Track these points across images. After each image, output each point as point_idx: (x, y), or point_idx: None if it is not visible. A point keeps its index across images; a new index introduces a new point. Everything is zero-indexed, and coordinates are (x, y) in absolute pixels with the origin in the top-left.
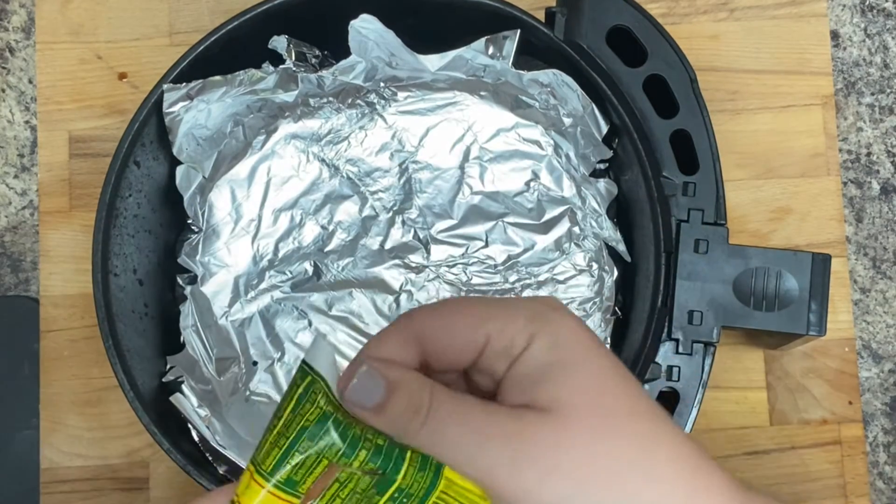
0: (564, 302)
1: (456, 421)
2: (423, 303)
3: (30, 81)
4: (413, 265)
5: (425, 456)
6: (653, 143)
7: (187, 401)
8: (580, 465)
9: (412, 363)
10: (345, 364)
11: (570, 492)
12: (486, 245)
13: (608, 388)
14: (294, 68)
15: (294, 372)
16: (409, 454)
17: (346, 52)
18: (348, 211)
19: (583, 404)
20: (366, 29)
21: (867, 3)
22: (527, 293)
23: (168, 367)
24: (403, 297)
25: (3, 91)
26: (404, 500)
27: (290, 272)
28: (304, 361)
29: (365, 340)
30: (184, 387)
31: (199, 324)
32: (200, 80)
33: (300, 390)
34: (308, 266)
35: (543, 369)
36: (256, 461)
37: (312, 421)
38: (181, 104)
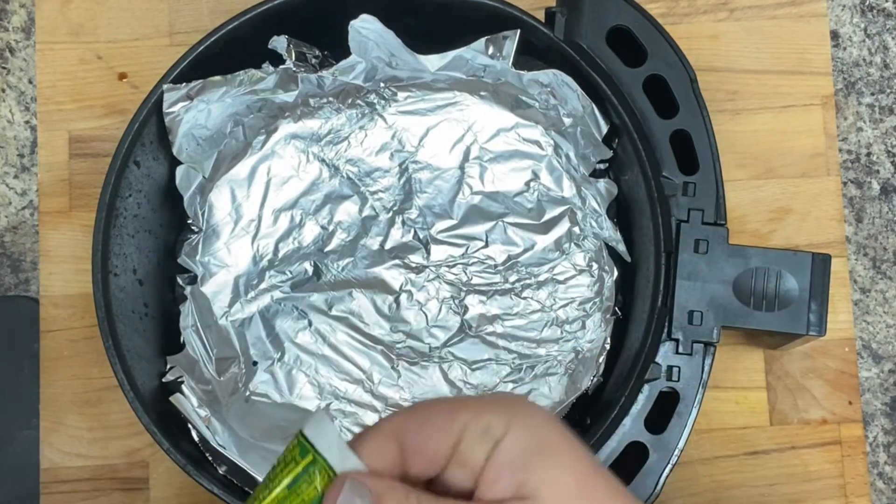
0: (564, 302)
1: None
2: (423, 303)
3: (30, 81)
4: (413, 265)
5: None
6: (653, 143)
7: (187, 401)
8: None
9: (392, 470)
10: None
11: None
12: (486, 245)
13: (589, 473)
14: (294, 68)
15: (295, 437)
16: None
17: (346, 53)
18: (348, 211)
19: (569, 488)
20: (366, 29)
21: (867, 3)
22: (527, 293)
23: (168, 367)
24: (403, 297)
25: (3, 91)
26: None
27: (290, 272)
28: (302, 434)
29: (365, 340)
30: (184, 387)
31: (199, 324)
32: (200, 81)
33: (299, 468)
34: (308, 266)
35: (527, 454)
36: None
37: (309, 501)
38: (181, 104)
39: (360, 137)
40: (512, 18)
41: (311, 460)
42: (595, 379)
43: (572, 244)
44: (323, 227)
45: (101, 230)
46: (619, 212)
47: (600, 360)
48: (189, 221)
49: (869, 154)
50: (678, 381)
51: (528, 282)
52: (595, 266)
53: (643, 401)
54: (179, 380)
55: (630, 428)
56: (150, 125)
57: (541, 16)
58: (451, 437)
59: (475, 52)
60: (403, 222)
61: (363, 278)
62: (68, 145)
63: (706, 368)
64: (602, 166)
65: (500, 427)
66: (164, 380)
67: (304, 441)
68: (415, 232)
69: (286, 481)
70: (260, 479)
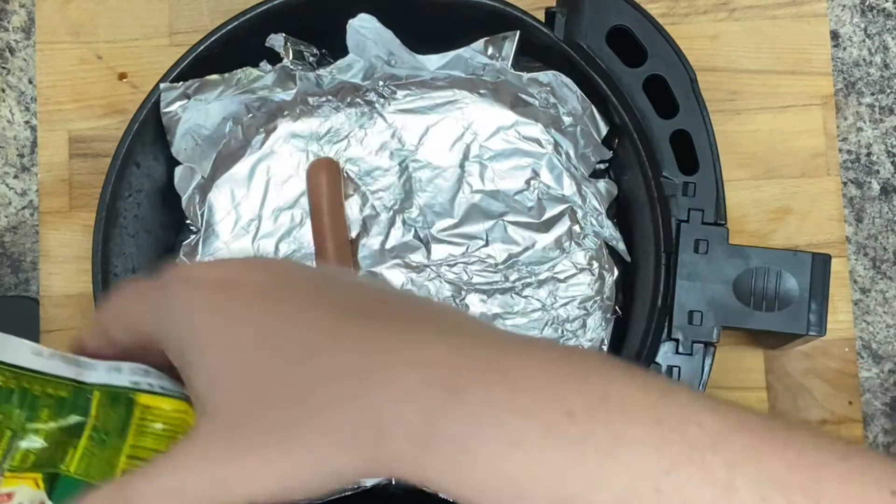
0: (565, 300)
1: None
2: None
3: (30, 81)
4: (414, 264)
5: (114, 392)
6: (653, 143)
7: None
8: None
9: (108, 347)
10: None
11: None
12: (487, 244)
13: (241, 374)
14: (291, 67)
15: None
16: (95, 395)
17: (343, 51)
18: (349, 210)
19: (209, 403)
20: (364, 28)
21: (867, 3)
22: (527, 292)
23: None
24: None
25: (3, 91)
26: (103, 436)
27: None
28: None
29: None
30: None
31: None
32: (198, 79)
33: None
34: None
35: (182, 364)
36: None
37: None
38: (179, 103)
39: (360, 136)
40: (512, 18)
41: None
42: None
43: (573, 243)
44: None
45: (101, 230)
46: (619, 212)
47: None
48: (188, 222)
49: (869, 154)
50: (678, 381)
51: (528, 280)
52: (596, 265)
53: None
54: None
55: None
56: (150, 125)
57: (541, 16)
58: (128, 333)
59: (474, 52)
60: (404, 221)
61: (364, 278)
62: (68, 145)
63: (706, 368)
64: (602, 166)
65: (157, 335)
66: None
67: None
68: (415, 231)
69: None
70: None
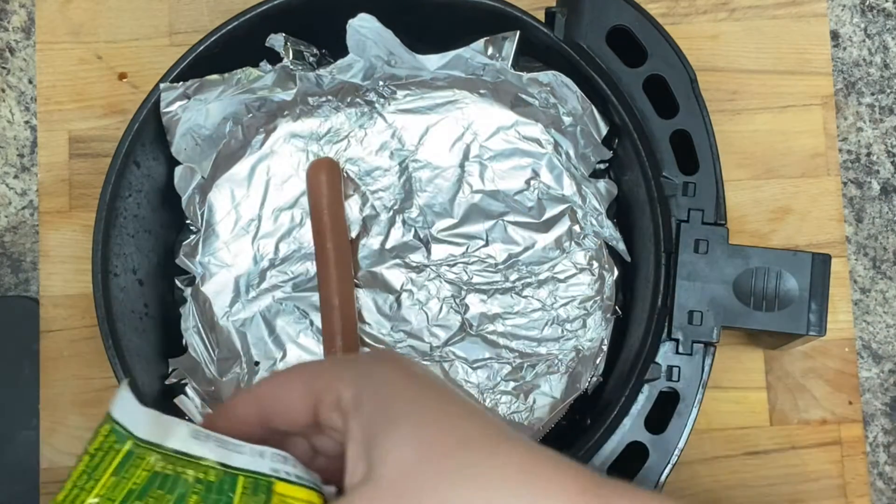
0: (565, 300)
1: None
2: (424, 302)
3: (30, 81)
4: (414, 264)
5: (256, 479)
6: (653, 143)
7: (192, 403)
8: None
9: (254, 425)
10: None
11: None
12: (487, 244)
13: (435, 439)
14: (291, 66)
15: (106, 423)
16: (239, 482)
17: (343, 51)
18: (349, 210)
19: (407, 462)
20: (364, 28)
21: (867, 3)
22: (527, 292)
23: (171, 369)
24: (404, 296)
25: (3, 91)
26: None
27: (292, 272)
28: (114, 420)
29: (366, 340)
30: (188, 389)
31: (199, 324)
32: (197, 79)
33: (121, 456)
34: (309, 266)
35: (372, 428)
36: None
37: (140, 483)
38: (178, 103)
39: (360, 136)
40: (512, 18)
41: (132, 444)
42: (594, 378)
43: (573, 242)
44: None
45: (101, 230)
46: (619, 212)
47: (599, 359)
48: (188, 222)
49: (869, 154)
50: (678, 381)
51: (528, 280)
52: (596, 265)
53: (643, 401)
54: (183, 382)
55: (630, 428)
56: (150, 125)
57: (541, 16)
58: (305, 405)
59: (474, 52)
60: (404, 221)
61: (364, 278)
62: (68, 145)
63: (706, 368)
64: (602, 166)
65: (350, 399)
66: (166, 382)
67: (118, 427)
68: (415, 231)
69: (111, 469)
70: None
